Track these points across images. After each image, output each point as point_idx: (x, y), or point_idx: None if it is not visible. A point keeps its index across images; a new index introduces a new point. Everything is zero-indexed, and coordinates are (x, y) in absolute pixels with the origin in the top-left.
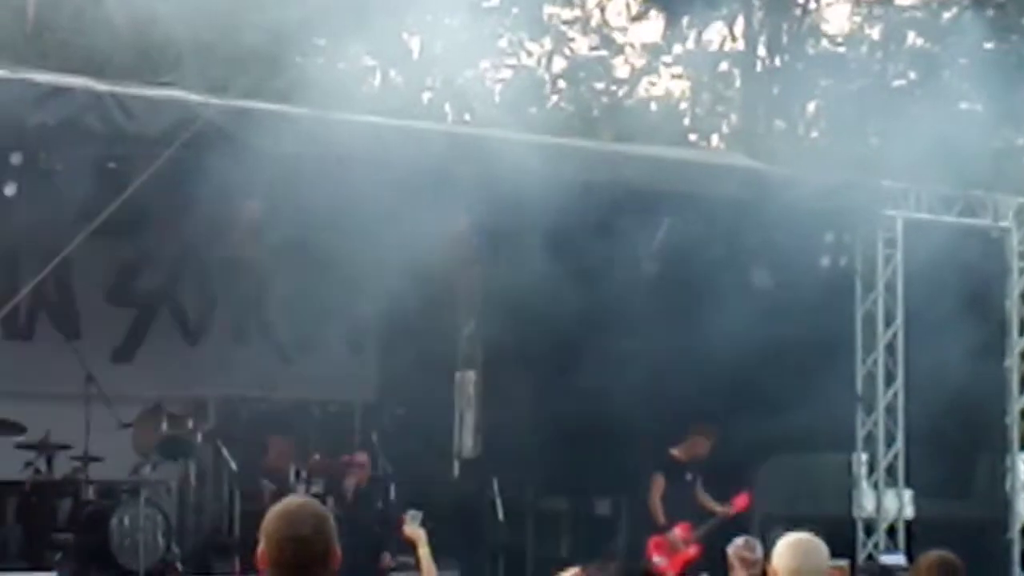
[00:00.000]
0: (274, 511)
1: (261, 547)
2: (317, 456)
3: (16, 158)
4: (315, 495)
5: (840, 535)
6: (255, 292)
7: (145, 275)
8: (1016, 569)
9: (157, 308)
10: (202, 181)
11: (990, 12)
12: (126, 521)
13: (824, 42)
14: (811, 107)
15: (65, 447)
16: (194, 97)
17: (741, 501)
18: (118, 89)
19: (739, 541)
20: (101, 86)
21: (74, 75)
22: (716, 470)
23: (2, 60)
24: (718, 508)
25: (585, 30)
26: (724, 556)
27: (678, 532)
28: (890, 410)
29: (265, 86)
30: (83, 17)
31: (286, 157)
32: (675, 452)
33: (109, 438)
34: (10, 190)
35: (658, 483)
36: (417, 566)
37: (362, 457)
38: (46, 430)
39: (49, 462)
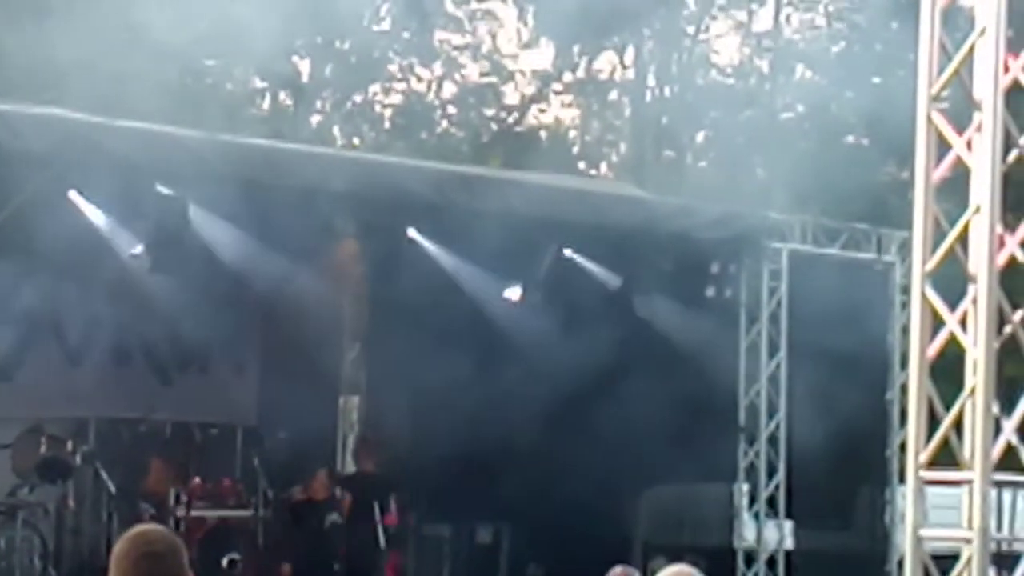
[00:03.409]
0: (125, 536)
1: (113, 573)
2: (197, 479)
3: None
4: (195, 518)
5: (721, 565)
6: (137, 313)
7: (26, 294)
8: None
9: (38, 327)
10: (86, 200)
11: (879, 47)
12: (2, 543)
13: (713, 73)
14: (699, 137)
15: None
16: (79, 116)
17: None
18: (2, 107)
19: (617, 570)
20: None
21: None
22: None
23: None
24: None
25: (476, 56)
26: None
27: None
28: (772, 441)
29: (151, 105)
30: None
31: (170, 177)
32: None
33: None
34: None
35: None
36: None
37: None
38: None
39: None
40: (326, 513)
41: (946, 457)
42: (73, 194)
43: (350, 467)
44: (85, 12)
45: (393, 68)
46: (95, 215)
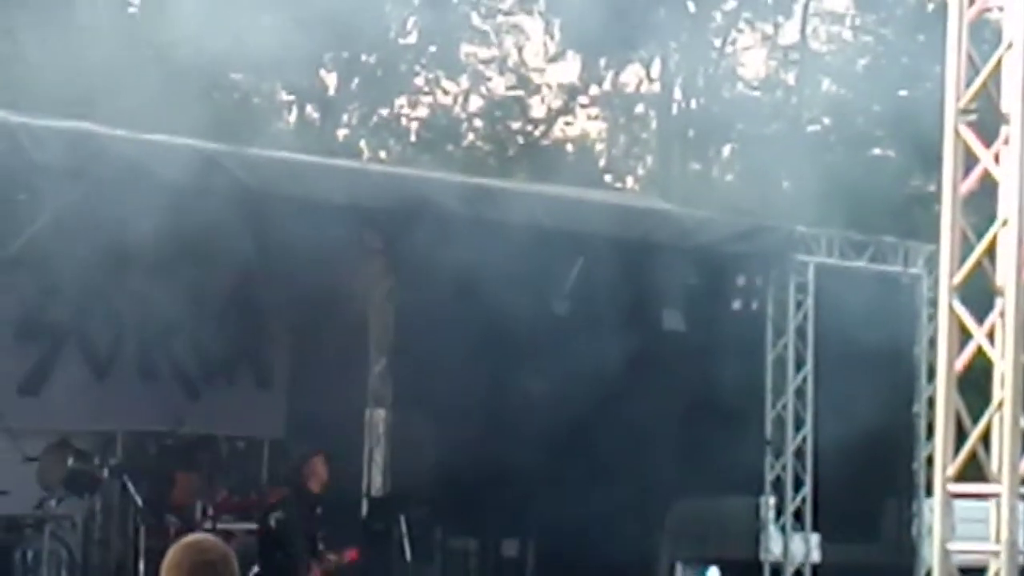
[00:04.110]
0: (179, 544)
1: None
2: (224, 493)
3: None
4: (222, 531)
5: None
6: (163, 327)
7: (53, 308)
8: None
9: (65, 342)
10: (113, 214)
11: (905, 60)
12: (30, 556)
13: (740, 86)
14: (726, 150)
15: None
16: (106, 130)
17: (352, 554)
18: (30, 120)
19: None
20: (13, 118)
21: None
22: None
23: None
24: (333, 556)
25: (502, 69)
26: None
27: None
28: (799, 454)
29: (178, 119)
30: None
31: (197, 191)
32: (311, 485)
33: (14, 472)
34: None
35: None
36: None
37: None
38: None
39: None
40: (270, 512)
41: (973, 470)
42: (99, 209)
43: (376, 482)
44: (112, 27)
45: (419, 81)
46: (121, 228)
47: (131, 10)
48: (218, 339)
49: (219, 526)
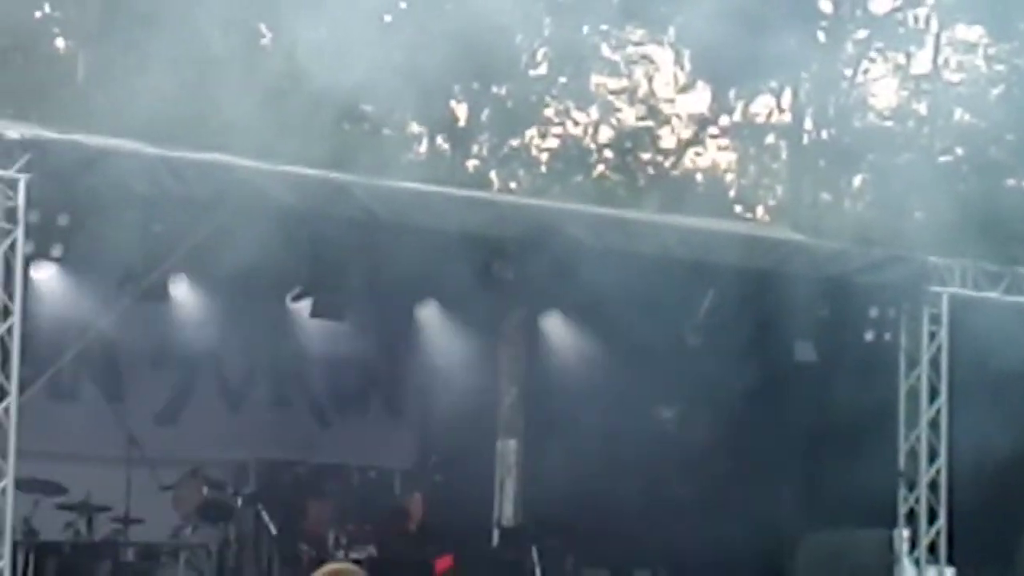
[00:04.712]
0: (324, 570)
1: None
2: (356, 522)
3: (64, 220)
4: (355, 560)
5: None
6: (296, 356)
7: (189, 339)
8: None
9: (200, 372)
10: (247, 244)
11: None
12: None
13: (871, 116)
14: (857, 181)
15: (105, 509)
16: (241, 162)
17: (444, 562)
18: (167, 152)
19: None
20: (150, 149)
21: (124, 138)
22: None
23: (53, 121)
24: None
25: (632, 100)
26: None
27: None
28: (933, 487)
29: (311, 151)
30: (131, 82)
31: (328, 221)
32: (408, 523)
33: (150, 500)
34: (57, 252)
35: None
36: None
37: None
38: (87, 491)
39: (89, 523)
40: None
41: None
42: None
43: (507, 512)
44: (246, 60)
45: (550, 112)
46: (255, 259)
47: (264, 42)
48: (349, 369)
49: (351, 555)
